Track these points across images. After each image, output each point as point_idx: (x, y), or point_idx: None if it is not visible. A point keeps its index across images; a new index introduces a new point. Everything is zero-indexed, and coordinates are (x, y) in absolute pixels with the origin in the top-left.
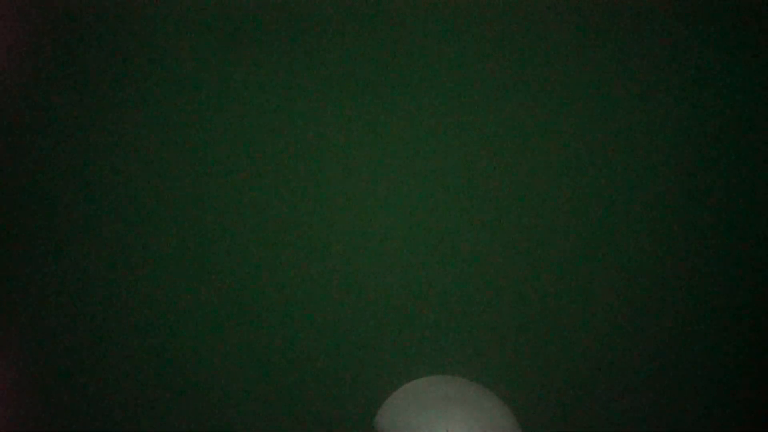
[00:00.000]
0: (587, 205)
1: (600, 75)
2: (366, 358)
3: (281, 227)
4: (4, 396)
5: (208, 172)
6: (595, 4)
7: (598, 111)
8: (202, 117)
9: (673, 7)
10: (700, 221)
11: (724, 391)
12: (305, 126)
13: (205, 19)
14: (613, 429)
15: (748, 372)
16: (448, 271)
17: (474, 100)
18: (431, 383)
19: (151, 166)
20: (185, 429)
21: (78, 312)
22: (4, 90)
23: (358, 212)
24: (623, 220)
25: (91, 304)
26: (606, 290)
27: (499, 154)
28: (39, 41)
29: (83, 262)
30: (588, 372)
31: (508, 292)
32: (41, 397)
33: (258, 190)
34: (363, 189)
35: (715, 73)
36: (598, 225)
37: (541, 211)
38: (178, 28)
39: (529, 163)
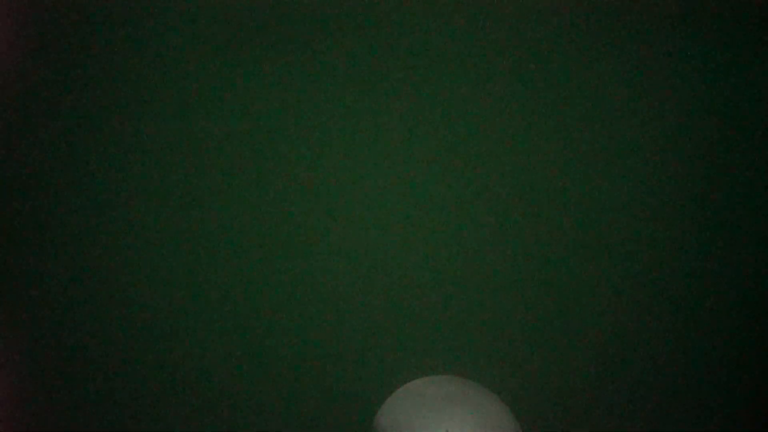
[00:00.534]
0: (588, 205)
1: (600, 75)
2: (366, 358)
3: (282, 227)
4: (5, 396)
5: (208, 172)
6: (595, 5)
7: (598, 111)
8: (203, 117)
9: (673, 7)
10: (700, 221)
11: (724, 391)
12: (305, 126)
13: (205, 20)
14: (613, 429)
15: (749, 372)
16: (448, 272)
17: (474, 100)
18: (431, 383)
19: (152, 166)
20: (185, 429)
21: (78, 312)
22: (4, 90)
23: (358, 213)
24: (624, 220)
25: (91, 304)
26: (606, 290)
27: (500, 154)
28: (40, 41)
29: (83, 262)
30: (588, 372)
31: (508, 292)
32: (41, 397)
33: (258, 190)
34: (364, 189)
35: (715, 73)
36: (599, 225)
37: (541, 211)
38: (179, 29)
39: (530, 163)
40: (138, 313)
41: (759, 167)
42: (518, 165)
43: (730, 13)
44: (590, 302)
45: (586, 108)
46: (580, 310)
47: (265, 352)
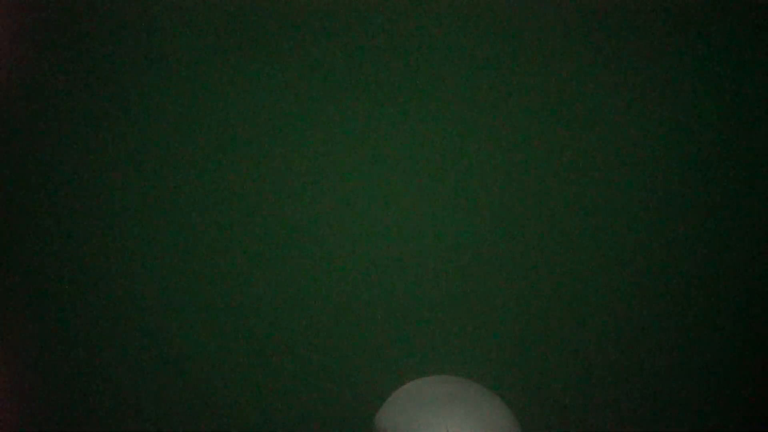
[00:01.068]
0: (588, 205)
1: (599, 75)
2: (366, 358)
3: (282, 228)
4: (5, 396)
5: (208, 172)
6: (595, 5)
7: (598, 111)
8: (203, 117)
9: (672, 7)
10: (699, 221)
11: (724, 391)
12: (306, 127)
13: (206, 20)
14: (613, 429)
15: (749, 372)
16: (448, 272)
17: (474, 101)
18: (431, 383)
19: (152, 166)
20: (185, 429)
21: (78, 312)
22: (4, 90)
23: (359, 213)
24: (623, 220)
25: (92, 304)
26: (606, 290)
27: (502, 153)
28: (41, 41)
29: (83, 262)
30: (588, 372)
31: (508, 293)
32: (41, 397)
33: (259, 190)
34: (365, 189)
35: (715, 73)
36: (598, 225)
37: (541, 211)
38: (180, 29)
39: (531, 163)
40: (138, 314)
41: (759, 167)
42: (520, 165)
43: (731, 13)
44: (590, 302)
45: (586, 108)
46: (580, 310)
47: (265, 352)
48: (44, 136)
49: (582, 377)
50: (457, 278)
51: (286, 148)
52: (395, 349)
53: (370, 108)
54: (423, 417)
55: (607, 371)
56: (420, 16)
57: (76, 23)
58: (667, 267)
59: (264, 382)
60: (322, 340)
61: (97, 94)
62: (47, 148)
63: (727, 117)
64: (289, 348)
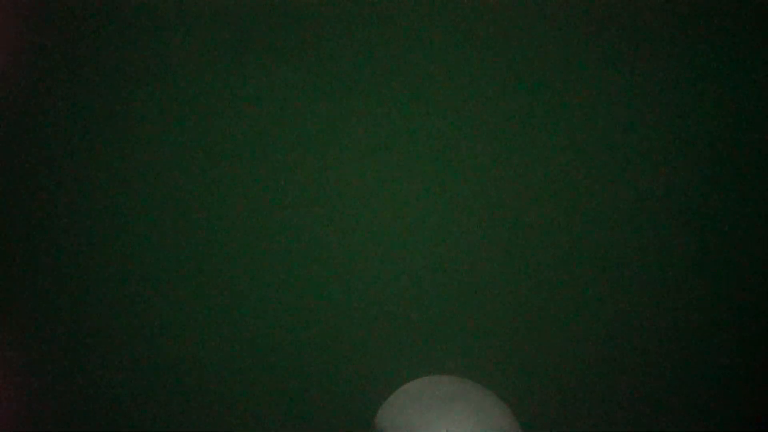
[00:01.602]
0: (586, 204)
1: (599, 76)
2: (366, 358)
3: (282, 228)
4: (5, 396)
5: (208, 172)
6: (594, 5)
7: (597, 112)
8: (204, 117)
9: (672, 7)
10: (699, 221)
11: (724, 391)
12: (305, 127)
13: (206, 20)
14: (613, 429)
15: (749, 372)
16: (448, 271)
17: (473, 101)
18: (431, 383)
19: (151, 166)
20: (185, 429)
21: (78, 312)
22: (4, 90)
23: (357, 212)
24: (622, 219)
25: (91, 304)
26: (606, 290)
27: (503, 153)
28: (42, 41)
29: (83, 262)
30: (588, 372)
31: (508, 292)
32: (41, 397)
33: (257, 190)
34: (365, 189)
35: (715, 73)
36: (598, 225)
37: (540, 211)
38: (180, 30)
39: (530, 163)
40: (138, 313)
41: (759, 167)
42: (521, 165)
43: (730, 14)
44: (590, 302)
45: (585, 109)
46: (580, 310)
47: (265, 352)
48: (44, 136)
49: (582, 377)
50: (457, 278)
51: (285, 148)
52: (395, 349)
53: (369, 108)
54: (423, 417)
55: (607, 371)
56: (420, 16)
57: (76, 23)
58: (667, 267)
59: (263, 382)
60: (321, 339)
61: (97, 94)
62: (47, 148)
63: (728, 117)
64: (289, 348)
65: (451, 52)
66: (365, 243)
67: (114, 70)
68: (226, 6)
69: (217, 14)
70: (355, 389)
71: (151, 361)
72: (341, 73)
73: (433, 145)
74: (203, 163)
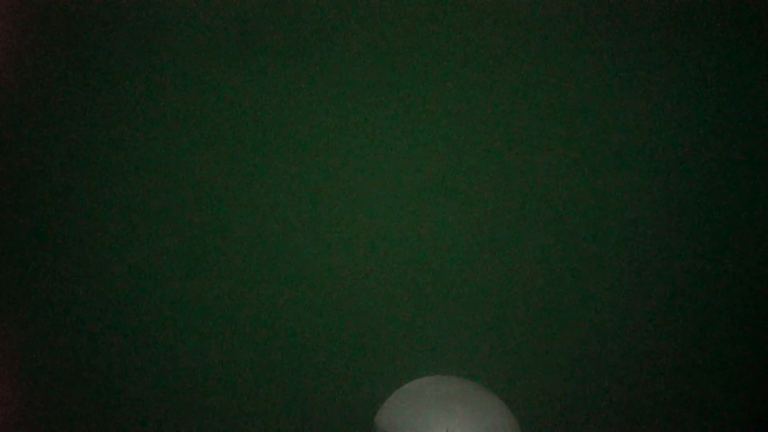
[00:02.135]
0: (587, 205)
1: (598, 75)
2: (366, 358)
3: (282, 227)
4: (4, 396)
5: (208, 172)
6: (594, 5)
7: (597, 112)
8: (204, 118)
9: (672, 7)
10: (699, 221)
11: (724, 392)
12: (305, 127)
13: (207, 20)
14: (613, 429)
15: (749, 372)
16: (448, 272)
17: (472, 101)
18: (431, 383)
19: (152, 166)
20: (185, 429)
21: (78, 312)
22: (4, 90)
23: (358, 213)
24: (622, 220)
25: (92, 304)
26: (606, 290)
27: (504, 153)
28: (43, 40)
29: (83, 262)
30: (588, 372)
31: (508, 293)
32: (41, 398)
33: (259, 190)
34: (366, 189)
35: (715, 73)
36: (598, 225)
37: (541, 211)
38: (181, 30)
39: (531, 163)
40: (138, 313)
41: (759, 168)
42: (521, 165)
43: (730, 14)
44: (591, 302)
45: (585, 109)
46: (580, 310)
47: (265, 352)
48: (44, 136)
49: (582, 377)
50: (457, 278)
51: (285, 148)
52: (395, 349)
53: (369, 108)
54: (423, 417)
55: (607, 371)
56: (421, 16)
57: (76, 23)
58: (667, 267)
59: (264, 382)
60: (321, 340)
61: (96, 94)
62: (47, 148)
63: (728, 117)
64: (289, 348)
65: (451, 52)
66: (366, 243)
67: (114, 70)
68: (228, 6)
69: (219, 14)
70: (355, 389)
71: (151, 362)
72: (341, 73)
73: (435, 145)
74: (205, 163)
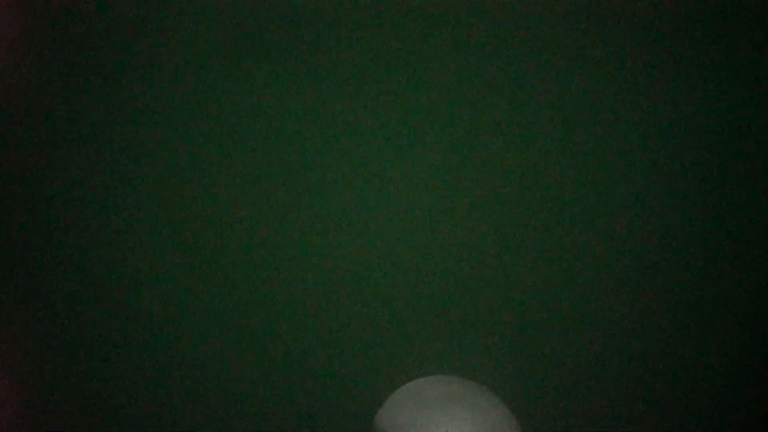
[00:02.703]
0: (587, 204)
1: (598, 75)
2: (366, 358)
3: (281, 228)
4: (4, 396)
5: (208, 172)
6: (593, 5)
7: (596, 111)
8: (204, 118)
9: (672, 7)
10: (699, 221)
11: (724, 392)
12: (304, 127)
13: (207, 20)
14: (613, 429)
15: (749, 372)
16: (448, 271)
17: (472, 101)
18: (431, 383)
19: (151, 166)
20: (185, 429)
21: (78, 312)
22: (4, 90)
23: (357, 212)
24: (622, 219)
25: (91, 304)
26: (606, 290)
27: (502, 153)
28: (43, 40)
29: (83, 262)
30: (588, 372)
31: (508, 292)
32: (41, 398)
33: (258, 190)
34: (365, 189)
35: (715, 73)
36: (598, 225)
37: (540, 210)
38: (181, 30)
39: (530, 163)
40: (138, 313)
41: (759, 168)
42: (521, 165)
43: (730, 14)
44: (591, 302)
45: (585, 109)
46: (580, 310)
47: (265, 352)
48: (44, 136)
49: (582, 377)
50: (457, 278)
51: (285, 148)
52: (395, 349)
53: (370, 108)
54: (423, 417)
55: (607, 371)
56: (421, 16)
57: (76, 22)
58: (668, 267)
59: (263, 382)
60: (321, 339)
61: (96, 94)
62: (48, 147)
63: (728, 117)
64: (288, 348)
65: (451, 52)
66: (365, 243)
67: (114, 70)
68: (227, 6)
69: (218, 14)
70: (355, 389)
71: (151, 362)
72: (341, 73)
73: (435, 145)
74: (204, 163)
